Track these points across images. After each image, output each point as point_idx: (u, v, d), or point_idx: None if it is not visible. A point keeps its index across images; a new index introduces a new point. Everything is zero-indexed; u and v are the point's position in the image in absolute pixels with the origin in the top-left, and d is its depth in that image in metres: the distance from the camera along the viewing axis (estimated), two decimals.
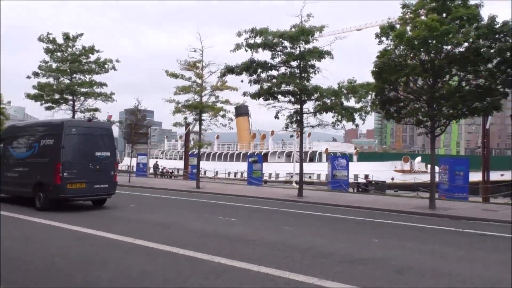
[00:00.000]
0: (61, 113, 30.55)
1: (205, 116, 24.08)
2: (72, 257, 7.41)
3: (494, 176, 28.93)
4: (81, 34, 29.13)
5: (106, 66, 29.39)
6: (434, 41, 15.45)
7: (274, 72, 20.70)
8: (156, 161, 46.34)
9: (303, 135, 21.21)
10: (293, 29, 19.97)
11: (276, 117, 20.84)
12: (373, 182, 27.65)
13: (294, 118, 20.70)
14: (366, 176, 35.16)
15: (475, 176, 27.92)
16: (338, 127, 21.13)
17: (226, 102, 23.99)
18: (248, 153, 60.63)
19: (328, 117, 20.93)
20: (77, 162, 13.52)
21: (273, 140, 62.77)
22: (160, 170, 44.47)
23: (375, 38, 17.96)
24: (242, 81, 20.94)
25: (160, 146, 75.04)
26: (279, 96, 20.78)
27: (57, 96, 29.07)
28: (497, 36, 15.17)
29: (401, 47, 16.78)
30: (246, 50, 20.17)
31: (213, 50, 24.25)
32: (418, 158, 49.05)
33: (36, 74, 28.90)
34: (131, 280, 6.08)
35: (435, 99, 16.34)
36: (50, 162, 13.37)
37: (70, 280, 6.05)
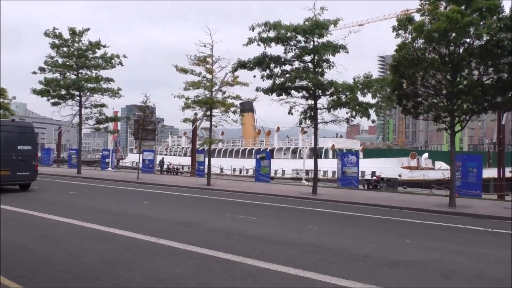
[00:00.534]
0: (68, 109, 30.26)
1: (215, 112, 23.62)
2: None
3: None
4: (87, 29, 28.80)
5: (113, 61, 29.06)
6: (454, 34, 15.01)
7: (287, 67, 20.26)
8: (163, 158, 45.93)
9: (317, 131, 20.74)
10: (306, 23, 19.53)
11: (290, 112, 20.39)
12: (384, 179, 27.20)
13: (308, 114, 20.26)
14: (373, 173, 34.70)
15: (485, 173, 27.43)
16: (352, 122, 20.72)
17: (237, 97, 23.54)
18: (254, 150, 60.35)
19: (342, 112, 20.50)
20: (2, 154, 16.55)
21: (278, 137, 62.37)
22: (166, 166, 44.04)
23: (392, 31, 17.51)
24: (254, 76, 20.49)
25: (164, 143, 74.61)
26: (293, 92, 20.36)
27: (63, 92, 28.72)
28: None
29: (420, 40, 16.33)
30: (258, 45, 19.70)
31: (222, 45, 23.71)
32: (425, 155, 48.46)
33: (42, 70, 28.58)
34: (163, 283, 5.70)
35: (455, 94, 15.91)
36: None
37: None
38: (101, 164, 43.39)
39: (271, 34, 19.43)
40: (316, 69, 20.02)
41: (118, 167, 47.90)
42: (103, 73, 29.52)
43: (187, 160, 54.36)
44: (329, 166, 42.54)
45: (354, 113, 19.91)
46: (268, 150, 51.91)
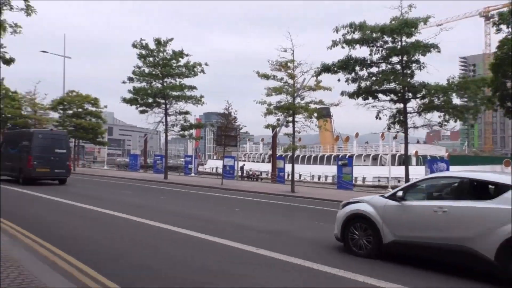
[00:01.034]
0: (154, 116, 31.52)
1: (297, 117, 23.26)
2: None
3: None
4: (171, 39, 29.79)
5: (195, 69, 29.80)
6: None
7: (373, 69, 19.42)
8: (244, 164, 46.50)
9: (407, 137, 19.60)
10: (393, 22, 18.58)
11: (377, 117, 19.48)
12: None
13: (397, 118, 19.21)
14: None
15: None
16: (445, 127, 19.32)
17: (320, 102, 22.98)
18: (332, 156, 59.16)
19: (434, 116, 19.19)
20: (42, 155, 21.74)
21: (357, 143, 60.64)
22: (246, 172, 44.47)
23: (492, 26, 16.08)
24: (339, 80, 19.89)
25: (242, 149, 75.82)
26: (380, 95, 19.45)
27: (150, 100, 29.97)
28: None
29: None
30: (342, 47, 19.13)
31: (303, 50, 23.37)
32: None
33: (130, 79, 30.05)
34: None
35: None
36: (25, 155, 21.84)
37: None
38: (184, 170, 44.80)
39: (356, 35, 18.75)
40: (405, 71, 18.97)
41: (199, 173, 49.20)
42: (186, 81, 30.45)
43: (265, 166, 54.63)
44: (414, 173, 40.38)
45: (447, 116, 18.57)
46: (347, 156, 50.61)
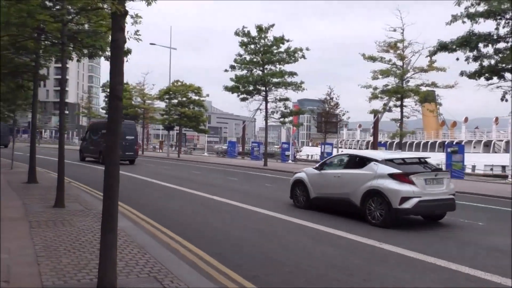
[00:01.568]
0: (255, 104, 31.72)
1: (406, 101, 21.76)
2: None
3: None
4: (272, 25, 29.58)
5: (296, 55, 29.30)
6: None
7: (500, 45, 17.27)
8: (342, 151, 45.18)
9: None
10: None
11: (503, 99, 17.38)
12: None
13: None
14: None
15: None
16: None
17: (433, 84, 21.22)
18: (437, 142, 55.37)
19: None
20: None
21: (466, 128, 56.01)
22: None
23: None
24: (457, 59, 18.03)
25: (338, 136, 74.07)
26: (506, 74, 17.29)
27: (251, 87, 30.15)
28: None
29: None
30: (463, 22, 17.23)
31: (415, 28, 21.64)
32: None
33: (232, 67, 30.46)
34: None
35: None
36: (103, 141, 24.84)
37: None
38: (281, 156, 44.82)
39: (481, 8, 16.76)
40: None
41: (296, 160, 48.95)
42: (286, 67, 30.13)
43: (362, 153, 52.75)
44: None
45: None
46: (454, 143, 46.89)
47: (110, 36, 12.69)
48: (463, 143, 50.66)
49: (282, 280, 5.60)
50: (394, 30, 21.30)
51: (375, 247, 7.39)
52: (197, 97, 39.92)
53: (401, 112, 21.94)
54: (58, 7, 11.36)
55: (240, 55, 30.48)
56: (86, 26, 12.48)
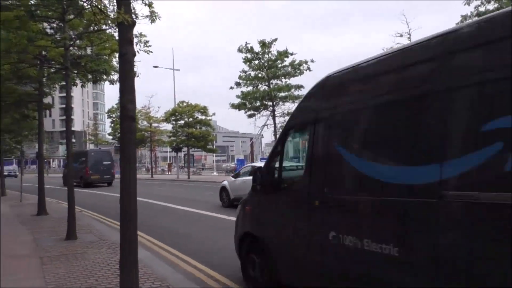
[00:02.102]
0: (263, 120, 31.32)
1: None
2: None
3: None
4: (275, 39, 29.32)
5: (301, 67, 28.98)
6: None
7: None
8: None
9: None
10: None
11: None
12: None
13: None
14: None
15: None
16: None
17: None
18: None
19: None
20: (95, 167, 30.68)
21: None
22: None
23: None
24: None
25: None
26: None
27: (257, 103, 29.79)
28: None
29: None
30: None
31: (421, 33, 21.29)
32: None
33: (238, 84, 30.15)
34: None
35: None
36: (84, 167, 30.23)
37: None
38: None
39: (490, 6, 16.37)
40: None
41: None
42: (292, 80, 29.78)
43: None
44: None
45: None
46: None
47: (113, 59, 12.41)
48: None
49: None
50: (401, 36, 20.94)
51: None
52: (203, 117, 39.58)
53: None
54: (59, 33, 11.08)
55: (245, 71, 30.22)
56: (89, 50, 12.19)
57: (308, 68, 29.00)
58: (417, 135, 3.37)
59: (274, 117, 29.96)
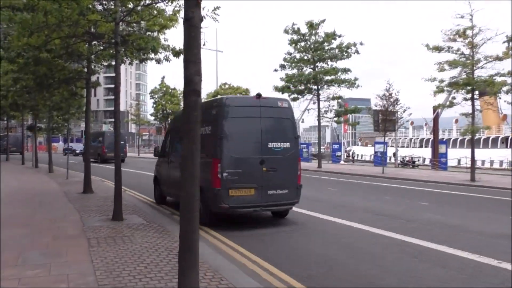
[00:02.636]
0: (306, 104, 30.53)
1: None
2: None
3: None
4: (323, 21, 28.26)
5: (349, 50, 27.83)
6: None
7: None
8: (397, 150, 43.09)
9: None
10: None
11: None
12: None
13: None
14: None
15: None
16: None
17: (510, 74, 19.13)
18: (499, 138, 51.83)
19: None
20: (110, 146, 29.82)
21: None
22: (401, 159, 41.05)
23: None
24: None
25: (388, 134, 71.01)
26: None
27: (302, 87, 28.96)
28: None
29: None
30: None
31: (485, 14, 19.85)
32: None
33: (282, 67, 29.38)
34: None
35: None
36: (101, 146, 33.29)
37: None
38: (331, 157, 43.27)
39: None
40: None
41: (347, 160, 47.16)
42: (339, 64, 28.72)
43: (418, 152, 50.12)
44: None
45: None
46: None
47: (161, 36, 12.00)
48: None
49: None
50: (462, 17, 19.43)
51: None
52: None
53: (473, 105, 19.95)
54: (108, 10, 10.74)
55: (290, 54, 29.35)
56: (137, 28, 11.84)
57: (357, 51, 27.85)
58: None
59: (318, 101, 29.04)
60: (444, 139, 44.63)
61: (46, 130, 26.43)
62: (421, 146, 62.11)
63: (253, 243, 7.65)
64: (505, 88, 19.13)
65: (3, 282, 5.09)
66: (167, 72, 59.39)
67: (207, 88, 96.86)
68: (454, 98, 20.70)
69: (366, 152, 61.78)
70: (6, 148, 39.69)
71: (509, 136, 49.29)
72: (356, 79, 28.29)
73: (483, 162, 44.72)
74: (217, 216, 9.11)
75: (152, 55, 12.48)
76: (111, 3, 10.01)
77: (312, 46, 28.23)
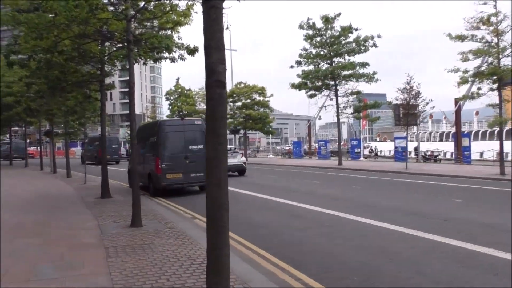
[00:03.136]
0: (323, 100, 29.86)
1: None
2: None
3: None
4: (339, 14, 27.54)
5: (366, 44, 27.06)
6: None
7: None
8: (418, 144, 42.06)
9: None
10: None
11: None
12: None
13: None
14: None
15: None
16: None
17: None
18: None
19: None
20: (108, 149, 24.33)
21: None
22: (423, 153, 39.99)
23: None
24: None
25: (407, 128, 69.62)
26: None
27: (319, 83, 28.30)
28: None
29: None
30: None
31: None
32: None
33: (298, 63, 28.77)
34: None
35: None
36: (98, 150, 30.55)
37: None
38: (350, 154, 42.45)
39: None
40: None
41: (368, 156, 46.22)
42: (356, 58, 27.95)
43: (440, 146, 48.84)
44: None
45: None
46: None
47: (175, 35, 11.56)
48: None
49: None
50: (485, 4, 18.59)
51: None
52: (261, 98, 38.56)
53: (500, 96, 19.08)
54: (119, 8, 10.35)
55: (306, 49, 28.69)
56: (149, 26, 11.45)
57: (374, 44, 27.05)
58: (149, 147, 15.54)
59: (337, 96, 28.30)
60: (465, 132, 43.44)
61: (63, 135, 26.31)
62: (441, 140, 60.70)
63: (280, 249, 7.15)
64: None
65: None
66: (182, 73, 59.33)
67: None
68: (479, 88, 19.77)
69: (385, 147, 60.59)
70: (8, 154, 43.07)
71: None
72: (375, 73, 27.52)
73: (506, 154, 43.39)
74: (159, 191, 14.59)
75: (166, 54, 12.09)
76: (122, 1, 9.62)
77: (328, 40, 27.52)
